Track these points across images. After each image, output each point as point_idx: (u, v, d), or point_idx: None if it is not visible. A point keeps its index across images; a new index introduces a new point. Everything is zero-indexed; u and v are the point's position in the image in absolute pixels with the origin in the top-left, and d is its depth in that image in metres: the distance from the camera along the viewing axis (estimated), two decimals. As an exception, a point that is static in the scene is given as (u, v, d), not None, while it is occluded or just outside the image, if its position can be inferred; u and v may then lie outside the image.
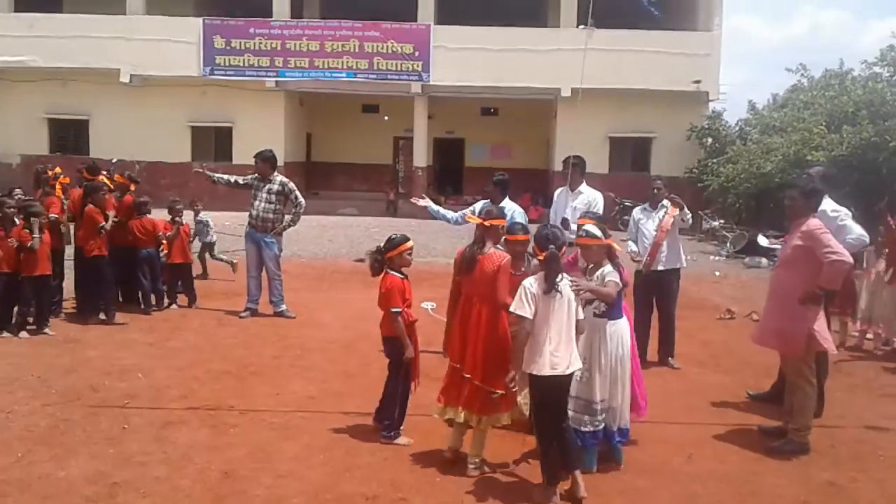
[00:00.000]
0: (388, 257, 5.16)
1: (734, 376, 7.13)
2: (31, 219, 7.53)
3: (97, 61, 23.47)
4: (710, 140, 23.58)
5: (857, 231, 5.93)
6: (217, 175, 9.26)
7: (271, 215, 8.91)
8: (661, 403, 6.01)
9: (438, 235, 18.61)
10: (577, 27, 22.32)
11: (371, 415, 5.44)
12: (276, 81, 24.02)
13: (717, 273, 14.63)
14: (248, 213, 9.01)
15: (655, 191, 7.43)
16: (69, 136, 25.24)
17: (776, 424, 5.51)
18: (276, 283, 9.02)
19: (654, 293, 7.37)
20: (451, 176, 29.12)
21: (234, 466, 4.61)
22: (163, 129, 24.31)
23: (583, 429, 4.66)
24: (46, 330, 7.67)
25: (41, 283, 7.68)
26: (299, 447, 4.97)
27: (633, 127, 23.93)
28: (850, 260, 5.16)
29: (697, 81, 22.96)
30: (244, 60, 23.80)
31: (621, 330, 4.74)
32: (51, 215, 8.06)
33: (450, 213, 7.69)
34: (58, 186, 9.92)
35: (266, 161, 9.01)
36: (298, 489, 4.34)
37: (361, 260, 14.06)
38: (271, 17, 24.05)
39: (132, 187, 10.13)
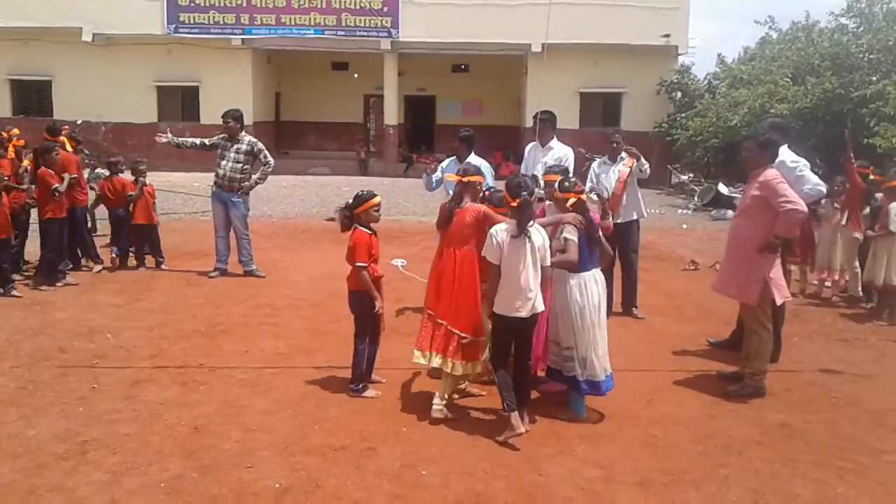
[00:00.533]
0: (355, 213, 5.28)
1: (696, 325, 7.31)
2: None
3: (59, 20, 22.91)
4: (679, 94, 23.65)
5: (814, 181, 6.04)
6: (180, 139, 9.18)
7: (238, 175, 8.85)
8: (624, 352, 6.15)
9: (409, 194, 18.62)
10: (547, -19, 22.11)
11: (340, 369, 5.52)
12: (243, 39, 23.60)
13: (685, 226, 14.83)
14: (213, 174, 8.96)
15: (614, 144, 7.48)
16: (32, 97, 24.67)
17: (734, 370, 5.68)
18: (244, 242, 9.00)
19: (616, 245, 7.46)
20: (422, 133, 29.00)
21: (203, 422, 4.68)
22: (128, 90, 23.85)
23: (566, 374, 4.87)
24: (14, 292, 7.62)
25: (1, 247, 7.62)
26: (268, 402, 5.04)
27: (603, 82, 23.90)
28: (805, 209, 5.28)
29: (666, 35, 22.93)
30: (209, 18, 23.33)
31: (585, 282, 4.79)
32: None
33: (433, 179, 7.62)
34: (10, 149, 9.76)
35: (236, 120, 8.94)
36: (268, 442, 4.42)
37: (332, 219, 14.05)
38: (236, -29, 23.53)
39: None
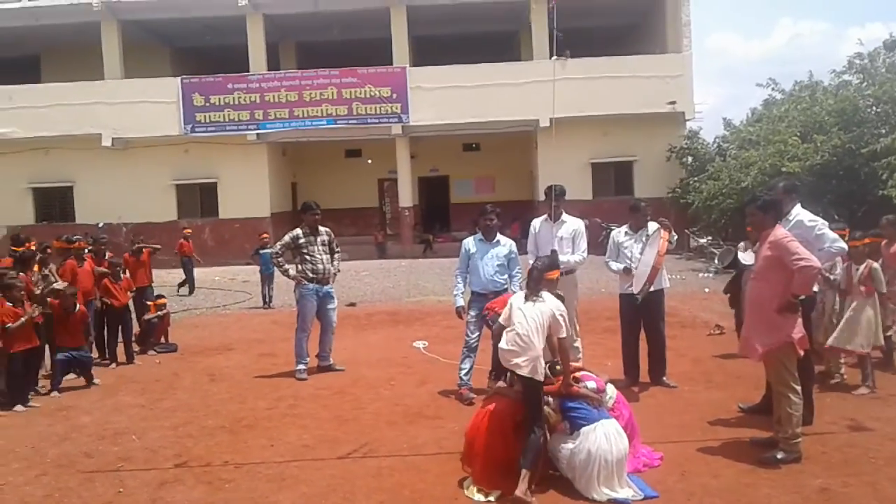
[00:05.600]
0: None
1: (726, 391, 7.16)
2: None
3: (78, 128, 23.79)
4: (689, 159, 23.89)
5: (833, 238, 6.02)
6: (284, 267, 8.68)
7: (332, 267, 8.69)
8: (655, 423, 6.05)
9: (428, 274, 18.72)
10: (550, 58, 22.73)
11: (366, 458, 5.46)
12: (258, 134, 24.32)
13: (707, 290, 14.73)
14: (302, 270, 8.48)
15: (647, 217, 7.45)
16: (54, 204, 25.44)
17: (767, 435, 5.54)
18: (331, 336, 8.80)
19: (642, 315, 7.42)
20: (437, 213, 29.34)
21: (230, 521, 4.61)
22: (148, 190, 24.52)
23: None
24: (31, 403, 7.58)
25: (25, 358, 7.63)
26: (296, 496, 4.96)
27: (614, 151, 24.23)
28: (819, 264, 5.26)
29: (672, 102, 23.34)
30: (224, 116, 24.10)
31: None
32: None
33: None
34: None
35: (319, 213, 8.75)
36: (296, 538, 4.34)
37: (352, 304, 14.13)
38: (248, 70, 24.39)
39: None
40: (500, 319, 5.33)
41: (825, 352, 7.47)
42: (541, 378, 4.94)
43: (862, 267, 7.20)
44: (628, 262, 7.33)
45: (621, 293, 7.47)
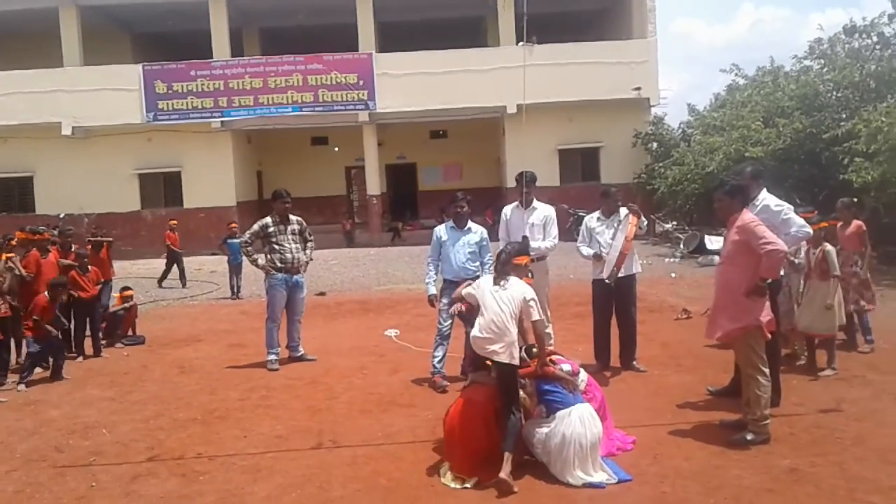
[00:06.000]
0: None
1: (695, 374, 7.28)
2: None
3: (37, 117, 23.27)
4: (655, 145, 24.14)
5: (800, 223, 6.13)
6: (254, 256, 8.63)
7: (303, 256, 8.58)
8: (626, 408, 6.12)
9: (397, 262, 18.70)
10: (517, 44, 22.73)
11: (340, 448, 5.46)
12: (222, 122, 23.99)
13: (673, 274, 14.92)
14: (271, 259, 8.37)
15: (618, 202, 7.53)
16: (13, 194, 24.89)
17: (736, 417, 5.65)
18: (298, 325, 8.73)
19: (614, 300, 7.50)
20: (405, 201, 29.29)
21: (206, 513, 4.58)
22: (110, 179, 24.10)
23: None
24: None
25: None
26: (271, 487, 4.94)
27: (580, 138, 24.35)
28: (785, 248, 5.38)
29: (638, 88, 23.50)
30: (187, 103, 23.72)
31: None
32: None
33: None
34: None
35: (289, 201, 8.59)
36: (272, 530, 4.33)
37: (322, 293, 14.07)
38: (212, 57, 24.03)
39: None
40: (464, 292, 5.46)
41: (791, 335, 7.63)
42: (517, 363, 4.98)
43: (817, 250, 7.35)
44: (599, 247, 7.41)
45: (594, 279, 7.54)
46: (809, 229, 6.24)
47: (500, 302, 5.05)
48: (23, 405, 7.26)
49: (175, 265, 16.30)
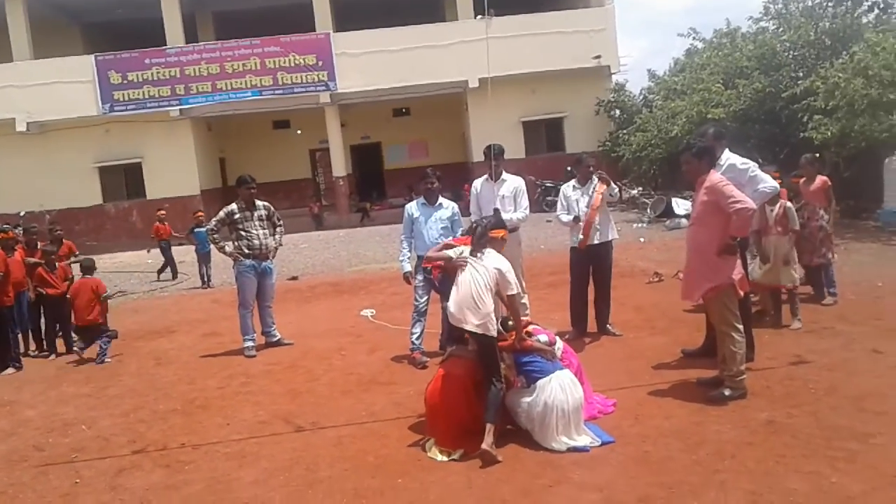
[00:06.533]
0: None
1: (669, 336, 7.39)
2: None
3: (-11, 113, 22.63)
4: (617, 112, 24.28)
5: (767, 179, 6.24)
6: (221, 244, 8.47)
7: (272, 242, 8.49)
8: (604, 371, 6.21)
9: (368, 242, 18.64)
10: (476, 18, 22.63)
11: (324, 429, 5.47)
12: (181, 110, 23.60)
13: (642, 239, 15.09)
14: (238, 246, 8.31)
15: (590, 168, 7.57)
16: (-30, 193, 24.24)
17: (713, 375, 5.75)
18: (270, 311, 8.66)
19: (591, 265, 7.58)
20: (372, 181, 29.16)
21: (194, 502, 4.57)
22: (69, 174, 23.64)
23: None
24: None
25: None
26: (257, 472, 4.94)
27: (543, 109, 24.39)
28: (754, 206, 5.46)
29: (597, 56, 23.56)
30: (144, 93, 23.29)
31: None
32: None
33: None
34: None
35: (254, 187, 8.48)
36: (262, 513, 4.34)
37: (294, 278, 14.00)
38: (165, 44, 23.56)
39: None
40: (445, 253, 5.44)
41: (756, 290, 7.78)
42: (494, 334, 5.00)
43: (776, 207, 7.49)
44: (577, 212, 7.46)
45: (572, 246, 7.59)
46: (776, 184, 6.35)
47: (476, 273, 5.07)
48: (-3, 407, 7.16)
49: (169, 253, 15.86)
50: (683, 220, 16.04)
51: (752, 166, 6.18)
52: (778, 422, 4.93)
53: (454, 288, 5.17)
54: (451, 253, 5.43)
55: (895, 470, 4.12)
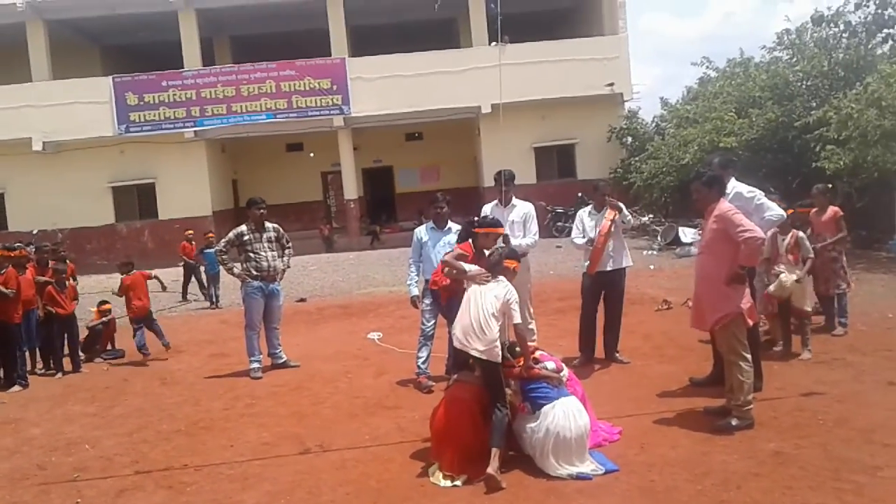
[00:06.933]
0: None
1: (677, 364, 7.33)
2: None
3: (7, 132, 22.92)
4: (629, 139, 24.28)
5: (773, 207, 6.24)
6: (230, 265, 8.54)
7: (280, 264, 8.54)
8: (610, 399, 6.17)
9: (377, 266, 18.65)
10: (490, 45, 22.78)
11: (328, 452, 5.44)
12: (195, 131, 23.74)
13: (652, 266, 15.02)
14: (246, 268, 8.34)
15: (605, 196, 7.55)
16: (-15, 212, 24.46)
17: (720, 404, 5.69)
18: (277, 332, 8.69)
19: (602, 291, 7.55)
20: (383, 204, 29.25)
21: (194, 524, 4.54)
22: (83, 194, 23.77)
23: None
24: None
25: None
26: (260, 495, 4.91)
27: (555, 135, 24.42)
28: (762, 235, 5.46)
29: (611, 84, 23.61)
30: (159, 114, 23.47)
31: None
32: None
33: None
34: None
35: (264, 209, 8.54)
36: (263, 537, 4.30)
37: (302, 300, 14.01)
38: (183, 67, 23.82)
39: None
40: (468, 268, 5.47)
41: (768, 319, 7.74)
42: (498, 360, 4.98)
43: (788, 237, 7.47)
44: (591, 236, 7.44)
45: (585, 272, 7.57)
46: (783, 213, 6.36)
47: (484, 300, 5.06)
48: (2, 424, 7.16)
49: (191, 275, 15.57)
50: (693, 248, 15.98)
51: (758, 194, 6.19)
52: (786, 453, 4.86)
53: (460, 311, 5.17)
54: (467, 267, 5.47)
55: (904, 504, 4.05)
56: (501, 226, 6.15)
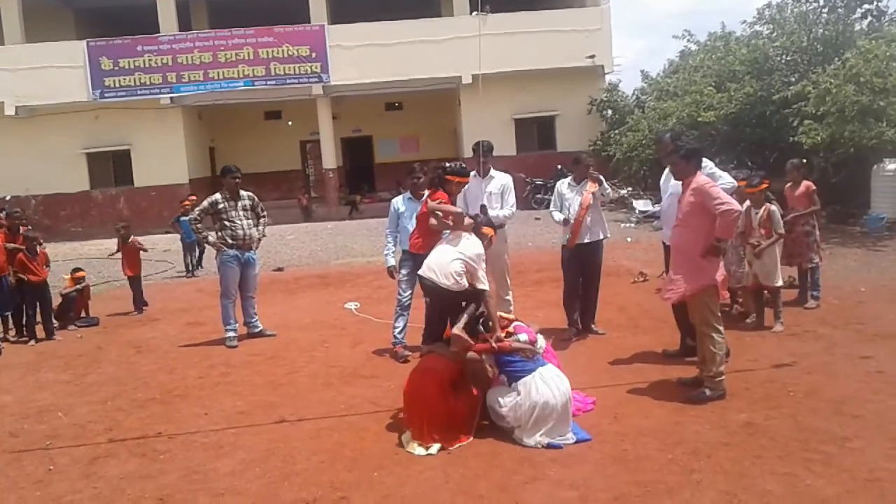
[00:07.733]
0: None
1: (652, 336, 7.40)
2: None
3: (-22, 97, 22.38)
4: (609, 112, 24.23)
5: (725, 176, 6.39)
6: (204, 233, 8.56)
7: (255, 233, 8.48)
8: (586, 369, 6.23)
9: (355, 236, 18.58)
10: (471, 14, 22.54)
11: (303, 421, 5.45)
12: (171, 98, 23.35)
13: (629, 239, 15.10)
14: (222, 236, 8.26)
15: (590, 168, 7.54)
16: (-44, 177, 23.97)
17: (693, 375, 5.76)
18: (253, 301, 8.64)
19: (582, 264, 7.57)
20: (362, 174, 29.07)
21: (168, 492, 4.53)
22: (57, 160, 23.38)
23: None
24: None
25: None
26: (234, 463, 4.91)
27: (536, 106, 24.32)
28: (739, 207, 5.51)
29: (591, 56, 23.50)
30: (135, 79, 23.04)
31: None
32: None
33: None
34: None
35: (239, 177, 8.49)
36: (238, 504, 4.31)
37: (280, 269, 13.94)
38: (158, 31, 23.37)
39: None
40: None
41: (742, 293, 7.83)
42: (457, 289, 5.22)
43: (761, 210, 7.53)
44: (568, 213, 7.43)
45: (563, 245, 7.58)
46: (734, 181, 6.50)
47: (450, 245, 5.40)
48: (-27, 391, 7.08)
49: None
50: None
51: (709, 164, 6.32)
52: (756, 423, 4.94)
53: (432, 252, 5.47)
54: (456, 210, 5.73)
55: (869, 473, 4.14)
56: (469, 175, 6.35)
